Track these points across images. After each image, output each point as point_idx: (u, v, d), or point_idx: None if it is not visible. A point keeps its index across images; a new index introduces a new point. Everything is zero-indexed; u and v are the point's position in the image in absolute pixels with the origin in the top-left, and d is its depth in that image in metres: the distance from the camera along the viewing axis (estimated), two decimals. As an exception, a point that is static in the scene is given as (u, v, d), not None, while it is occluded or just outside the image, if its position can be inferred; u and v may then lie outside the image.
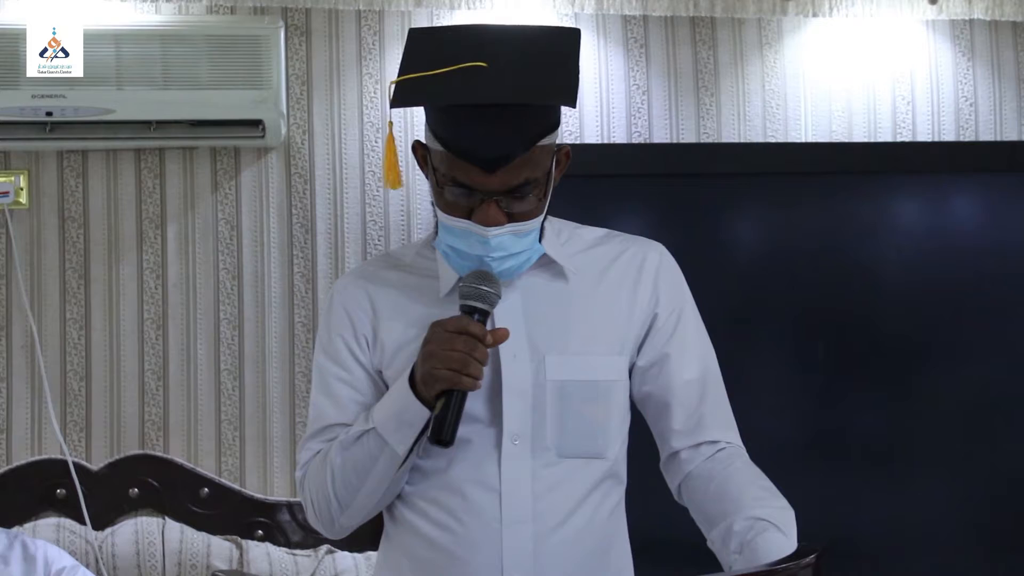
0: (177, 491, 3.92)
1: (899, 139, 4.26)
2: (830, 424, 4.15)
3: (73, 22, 3.71)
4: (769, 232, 4.23)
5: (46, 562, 3.55)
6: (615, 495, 2.18)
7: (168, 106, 3.78)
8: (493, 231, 2.00)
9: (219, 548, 3.86)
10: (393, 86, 2.02)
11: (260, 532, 3.91)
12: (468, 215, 2.02)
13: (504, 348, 2.07)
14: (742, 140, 4.19)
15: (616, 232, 2.26)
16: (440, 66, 1.99)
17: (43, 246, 3.95)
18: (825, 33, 4.25)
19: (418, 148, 2.13)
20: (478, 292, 2.01)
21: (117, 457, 3.92)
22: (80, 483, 3.83)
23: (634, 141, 4.14)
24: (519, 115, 1.98)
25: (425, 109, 2.08)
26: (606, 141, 4.12)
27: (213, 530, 3.89)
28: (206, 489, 3.92)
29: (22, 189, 3.93)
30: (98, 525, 3.85)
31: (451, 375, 1.97)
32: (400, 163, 2.20)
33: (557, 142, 2.09)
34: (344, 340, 2.15)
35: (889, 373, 4.18)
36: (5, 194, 3.91)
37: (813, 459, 4.12)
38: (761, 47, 4.22)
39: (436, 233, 2.14)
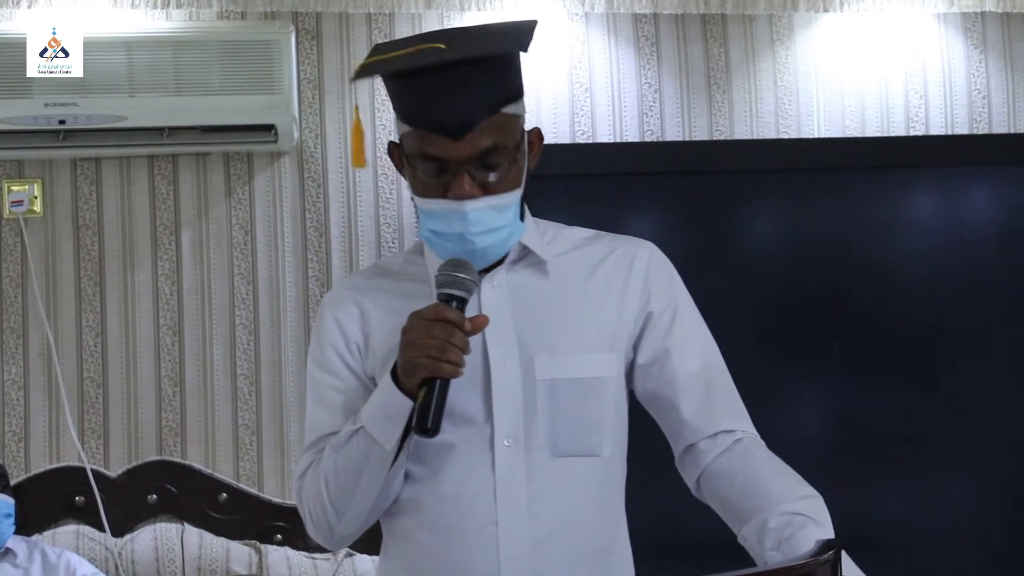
0: (195, 497, 3.93)
1: (912, 133, 4.25)
2: (848, 420, 4.14)
3: (85, 30, 3.72)
4: (783, 228, 4.22)
5: (68, 569, 3.56)
6: (614, 493, 2.15)
7: (180, 112, 3.79)
8: (470, 204, 2.00)
9: (238, 553, 3.86)
10: (356, 69, 2.07)
11: (279, 536, 3.92)
12: (443, 194, 2.02)
13: (493, 350, 2.06)
14: (755, 137, 4.18)
15: (604, 232, 2.25)
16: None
17: (58, 254, 3.96)
18: (836, 28, 4.24)
19: (394, 150, 2.14)
20: (453, 279, 2.00)
21: (135, 464, 3.93)
22: (99, 490, 3.84)
23: (647, 139, 4.13)
24: (478, 79, 2.00)
25: (391, 97, 2.11)
26: (619, 140, 4.12)
27: (232, 535, 3.90)
28: (224, 494, 3.93)
29: (36, 197, 3.94)
30: (117, 532, 3.86)
31: (430, 362, 1.94)
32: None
33: (526, 127, 2.11)
34: (336, 349, 2.15)
35: (905, 367, 4.17)
36: (19, 203, 3.92)
37: (833, 456, 4.11)
38: (772, 43, 4.22)
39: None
